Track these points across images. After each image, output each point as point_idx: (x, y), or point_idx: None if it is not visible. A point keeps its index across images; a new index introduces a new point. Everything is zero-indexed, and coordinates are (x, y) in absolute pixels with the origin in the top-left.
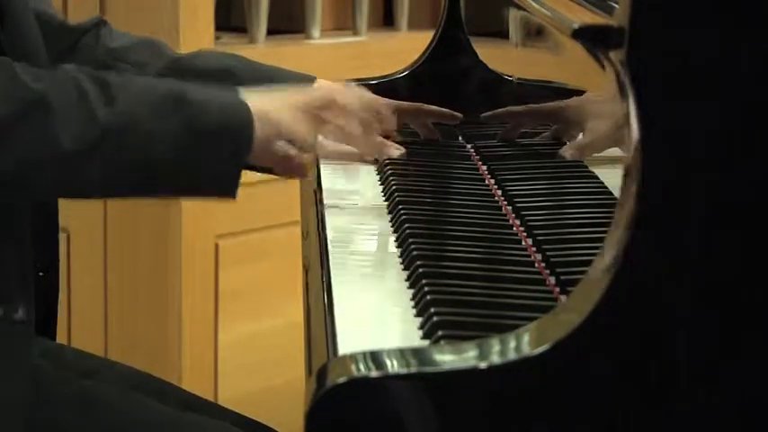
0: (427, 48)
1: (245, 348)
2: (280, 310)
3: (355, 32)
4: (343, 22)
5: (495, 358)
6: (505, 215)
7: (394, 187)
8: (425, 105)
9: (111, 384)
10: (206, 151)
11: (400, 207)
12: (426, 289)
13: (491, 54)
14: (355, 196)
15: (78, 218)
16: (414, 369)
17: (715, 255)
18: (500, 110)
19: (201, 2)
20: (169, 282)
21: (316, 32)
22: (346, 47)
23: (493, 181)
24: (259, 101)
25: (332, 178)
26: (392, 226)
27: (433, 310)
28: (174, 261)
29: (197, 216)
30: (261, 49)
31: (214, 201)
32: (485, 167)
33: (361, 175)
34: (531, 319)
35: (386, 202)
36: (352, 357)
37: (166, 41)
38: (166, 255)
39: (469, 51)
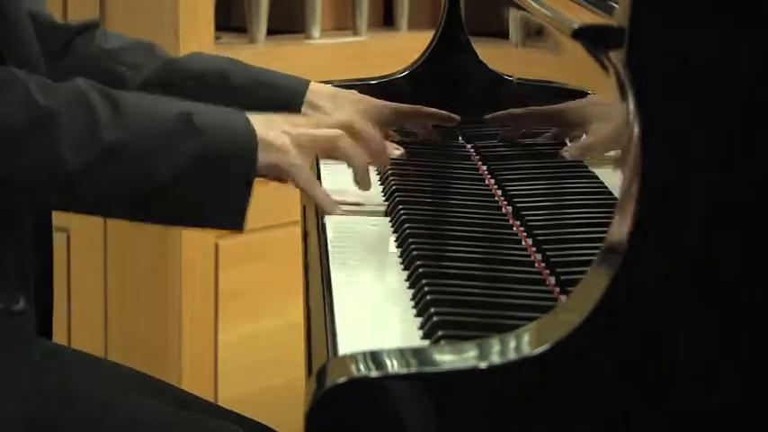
0: (427, 48)
1: (245, 348)
2: (280, 310)
3: (355, 32)
4: (343, 22)
5: (495, 358)
6: (505, 215)
7: (394, 187)
8: (424, 107)
9: (111, 384)
10: (208, 177)
11: (400, 207)
12: (426, 289)
13: (491, 54)
14: (355, 196)
15: (78, 218)
16: (414, 369)
17: (715, 255)
18: (503, 112)
19: (201, 2)
20: (169, 282)
21: (316, 32)
22: (346, 47)
23: (493, 181)
24: (265, 127)
25: (332, 178)
26: (392, 226)
27: (433, 310)
28: (174, 261)
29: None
30: (261, 49)
31: (219, 230)
32: (485, 167)
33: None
34: (531, 319)
35: (386, 202)
36: (352, 357)
37: (166, 41)
38: (166, 255)
39: (469, 51)
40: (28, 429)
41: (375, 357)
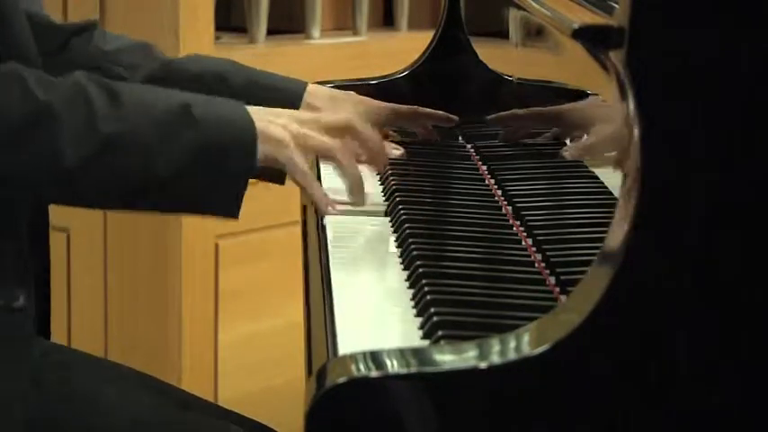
0: (427, 48)
1: (245, 348)
2: (280, 310)
3: (355, 32)
4: (343, 22)
5: (495, 358)
6: (505, 215)
7: (394, 187)
8: (421, 108)
9: (111, 384)
10: (207, 169)
11: (400, 207)
12: (426, 289)
13: (491, 54)
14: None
15: (78, 218)
16: (414, 369)
17: (715, 255)
18: (505, 113)
19: (201, 2)
20: (169, 282)
21: (316, 32)
22: (346, 47)
23: (493, 181)
24: (265, 119)
25: (332, 178)
26: (392, 226)
27: (433, 310)
28: (174, 261)
29: (197, 216)
30: (261, 49)
31: (215, 219)
32: (485, 167)
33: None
34: (531, 319)
35: (386, 202)
36: (352, 357)
37: (166, 41)
38: (166, 255)
39: (469, 51)
40: (28, 429)
41: (375, 357)
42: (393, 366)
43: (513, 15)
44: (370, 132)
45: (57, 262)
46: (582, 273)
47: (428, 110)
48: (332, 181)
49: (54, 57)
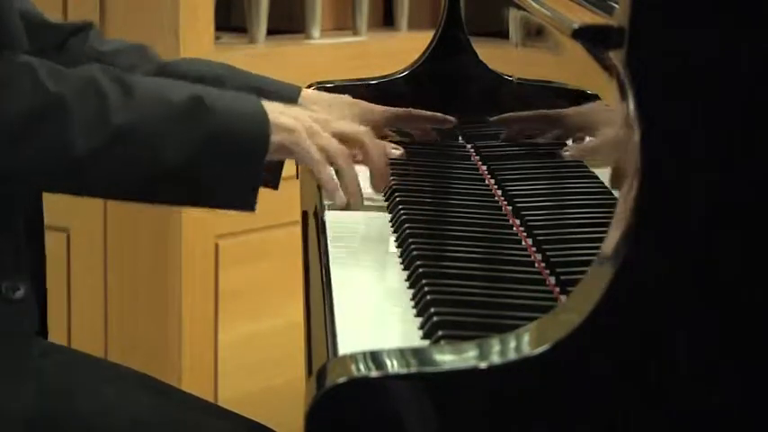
0: (427, 48)
1: (245, 348)
2: (280, 310)
3: (355, 32)
4: (343, 22)
5: (495, 358)
6: (505, 215)
7: (394, 187)
8: (417, 110)
9: (111, 384)
10: (219, 159)
11: (400, 207)
12: (426, 289)
13: (491, 54)
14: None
15: (78, 218)
16: (414, 369)
17: (715, 255)
18: (509, 114)
19: (201, 2)
20: (169, 282)
21: (316, 32)
22: (346, 47)
23: (493, 181)
24: (277, 111)
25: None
26: (392, 226)
27: (433, 310)
28: (174, 261)
29: (197, 216)
30: (261, 49)
31: (230, 211)
32: (485, 167)
33: (361, 175)
34: (531, 319)
35: (386, 203)
36: (352, 357)
37: (166, 41)
38: (166, 255)
39: (469, 51)
40: (28, 429)
41: (375, 357)
42: (393, 366)
43: (513, 15)
44: (378, 150)
45: (57, 262)
46: (582, 273)
47: (424, 112)
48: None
49: (50, 57)
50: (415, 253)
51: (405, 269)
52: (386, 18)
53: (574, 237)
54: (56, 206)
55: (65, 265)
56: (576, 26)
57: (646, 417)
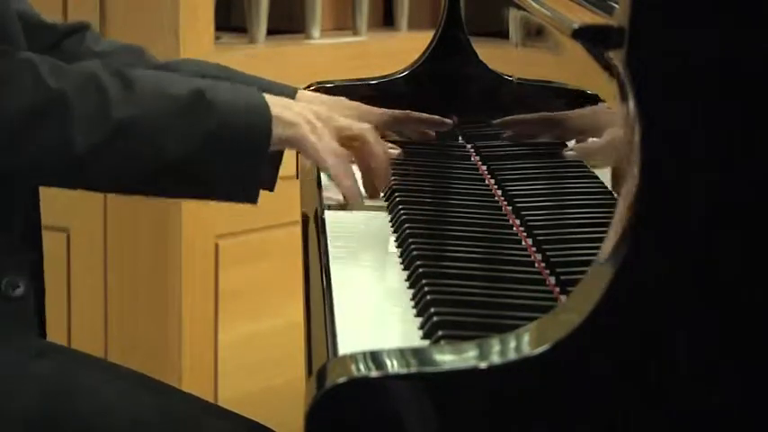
0: (427, 48)
1: (245, 348)
2: (280, 310)
3: (355, 32)
4: (343, 22)
5: (495, 358)
6: (505, 215)
7: (394, 187)
8: (414, 113)
9: (111, 384)
10: (220, 151)
11: (400, 207)
12: (426, 289)
13: (491, 54)
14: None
15: (78, 218)
16: (414, 369)
17: (715, 255)
18: (510, 117)
19: (201, 2)
20: (169, 282)
21: (316, 32)
22: (346, 47)
23: (493, 181)
24: (279, 104)
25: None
26: (392, 226)
27: (433, 310)
28: (174, 261)
29: (197, 216)
30: (261, 49)
31: (231, 203)
32: (485, 167)
33: (358, 176)
34: (531, 319)
35: (386, 202)
36: (352, 357)
37: (166, 41)
38: (166, 255)
39: (469, 51)
40: (28, 429)
41: (375, 357)
42: (393, 366)
43: (513, 15)
44: (381, 147)
45: (57, 262)
46: (582, 273)
47: (421, 114)
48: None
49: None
50: (415, 253)
51: (405, 269)
52: (386, 18)
53: (574, 237)
54: (56, 206)
55: (65, 265)
56: (576, 26)
57: (646, 417)
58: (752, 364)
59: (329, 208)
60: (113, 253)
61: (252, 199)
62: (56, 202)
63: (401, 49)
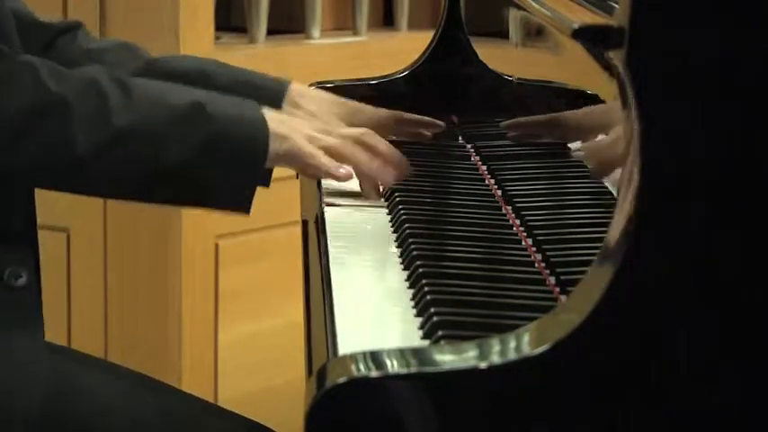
0: (427, 48)
1: (245, 348)
2: (280, 310)
3: (355, 32)
4: (343, 22)
5: (495, 358)
6: (505, 215)
7: (394, 187)
8: (406, 114)
9: (111, 384)
10: (217, 162)
11: (400, 207)
12: (426, 289)
13: (491, 54)
14: (355, 196)
15: (78, 218)
16: (414, 369)
17: (715, 255)
18: (514, 120)
19: (201, 2)
20: (169, 282)
21: (316, 32)
22: (346, 47)
23: (493, 181)
24: (277, 119)
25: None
26: (392, 226)
27: (433, 310)
28: (174, 261)
29: (197, 216)
30: (261, 49)
31: (225, 213)
32: (485, 167)
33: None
34: (531, 319)
35: (386, 202)
36: (352, 357)
37: (166, 41)
38: (166, 255)
39: (469, 51)
40: (28, 429)
41: (375, 357)
42: (393, 366)
43: (513, 15)
44: (387, 145)
45: (57, 262)
46: (582, 273)
47: (412, 115)
48: (332, 181)
49: (39, 55)
50: (415, 253)
51: (405, 269)
52: (386, 18)
53: (574, 237)
54: (56, 206)
55: (65, 265)
56: (576, 26)
57: (646, 417)
58: (752, 364)
59: (328, 205)
60: (113, 253)
61: (244, 210)
62: (56, 203)
63: (401, 49)
